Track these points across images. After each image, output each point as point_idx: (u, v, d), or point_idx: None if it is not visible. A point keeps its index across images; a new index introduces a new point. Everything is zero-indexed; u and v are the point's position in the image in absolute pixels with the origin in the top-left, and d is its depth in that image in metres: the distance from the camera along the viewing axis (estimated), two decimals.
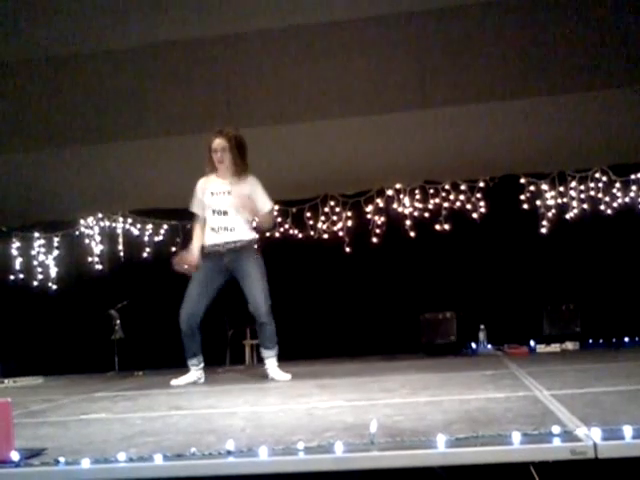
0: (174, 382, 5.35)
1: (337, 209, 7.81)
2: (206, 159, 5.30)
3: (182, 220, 7.77)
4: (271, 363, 5.34)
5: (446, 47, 7.12)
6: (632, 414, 2.60)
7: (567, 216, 7.46)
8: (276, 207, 7.86)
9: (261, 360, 7.76)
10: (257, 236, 5.46)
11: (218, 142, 5.23)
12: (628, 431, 2.18)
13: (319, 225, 7.82)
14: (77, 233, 8.22)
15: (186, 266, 5.35)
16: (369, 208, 7.74)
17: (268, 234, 7.75)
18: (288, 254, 7.78)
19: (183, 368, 7.07)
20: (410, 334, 7.10)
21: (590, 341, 6.94)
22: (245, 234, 5.27)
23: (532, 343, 6.75)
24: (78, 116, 7.54)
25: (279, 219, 7.89)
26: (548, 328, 7.02)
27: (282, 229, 7.87)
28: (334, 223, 7.80)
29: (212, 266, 5.26)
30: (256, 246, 5.41)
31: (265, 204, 5.36)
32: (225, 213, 5.21)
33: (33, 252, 8.23)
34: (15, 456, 2.48)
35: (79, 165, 7.70)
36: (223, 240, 5.21)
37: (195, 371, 5.43)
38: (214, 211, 5.24)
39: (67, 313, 7.95)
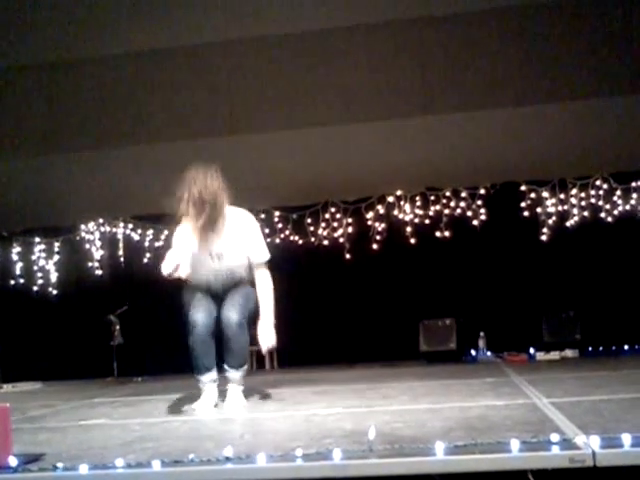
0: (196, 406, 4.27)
1: (338, 215, 7.82)
2: None
3: None
4: (233, 386, 4.28)
5: (448, 54, 7.12)
6: (631, 422, 2.59)
7: (567, 223, 7.46)
8: (277, 213, 7.89)
9: (260, 366, 7.80)
10: None
11: None
12: (627, 439, 2.18)
13: (319, 231, 7.82)
14: (77, 238, 8.23)
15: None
16: (370, 215, 7.75)
17: (269, 240, 7.77)
18: (288, 260, 7.77)
19: (182, 374, 7.08)
20: (410, 341, 7.10)
21: (590, 349, 6.95)
22: None
23: (532, 351, 6.75)
24: (79, 122, 7.54)
25: (280, 225, 7.90)
26: (548, 336, 7.02)
27: (282, 235, 7.87)
28: (335, 229, 7.81)
29: None
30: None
31: None
32: None
33: (33, 257, 8.23)
34: (13, 461, 2.47)
35: (80, 170, 7.69)
36: None
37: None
38: None
39: (67, 318, 7.95)
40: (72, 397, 5.44)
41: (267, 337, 4.31)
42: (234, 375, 4.26)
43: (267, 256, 4.51)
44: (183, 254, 4.26)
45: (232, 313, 4.24)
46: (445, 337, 6.95)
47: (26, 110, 7.44)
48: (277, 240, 7.83)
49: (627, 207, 7.38)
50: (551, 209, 7.49)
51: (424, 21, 7.01)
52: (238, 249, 4.37)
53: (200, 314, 4.23)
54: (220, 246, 4.33)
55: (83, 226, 8.21)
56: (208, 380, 4.20)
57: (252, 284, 4.57)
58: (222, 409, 4.02)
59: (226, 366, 4.28)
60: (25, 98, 7.44)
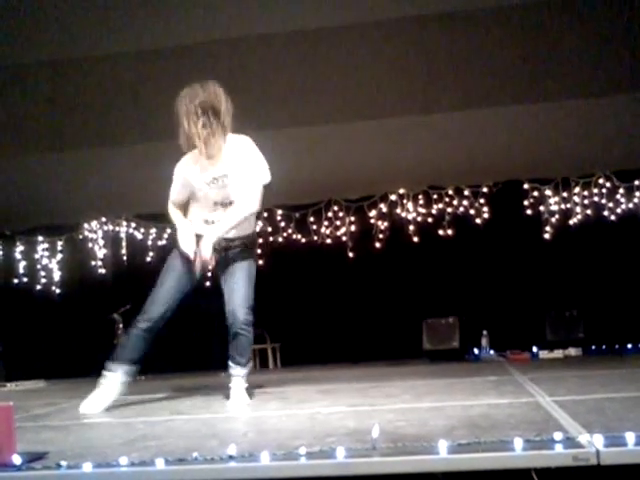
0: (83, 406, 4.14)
1: (340, 214, 7.82)
2: None
3: None
4: (237, 384, 4.20)
5: (450, 52, 7.11)
6: (635, 421, 2.59)
7: (570, 222, 7.46)
8: (279, 212, 7.89)
9: (264, 365, 7.81)
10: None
11: None
12: (631, 438, 2.17)
13: (322, 230, 7.82)
14: (80, 237, 8.24)
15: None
16: (372, 213, 7.75)
17: (271, 238, 7.78)
18: (291, 259, 7.78)
19: (185, 372, 7.09)
20: (413, 339, 7.10)
21: (593, 347, 6.94)
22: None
23: (535, 349, 6.74)
24: (82, 119, 7.55)
25: (282, 224, 7.90)
26: (551, 334, 7.02)
27: (285, 234, 7.88)
28: (337, 228, 7.81)
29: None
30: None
31: None
32: None
33: (37, 256, 8.25)
34: (17, 460, 2.47)
35: (82, 169, 7.70)
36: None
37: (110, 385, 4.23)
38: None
39: (70, 317, 7.96)
40: (75, 395, 5.43)
41: (205, 251, 3.99)
42: (239, 372, 4.18)
43: (267, 178, 4.15)
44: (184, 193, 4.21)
45: (239, 309, 4.08)
46: (448, 336, 6.95)
47: (29, 109, 7.45)
48: (280, 239, 7.84)
49: (630, 205, 7.38)
50: (554, 207, 7.49)
51: (427, 19, 7.01)
52: (239, 177, 4.06)
53: (154, 309, 4.25)
54: (220, 170, 4.05)
55: (86, 225, 8.22)
56: (115, 372, 4.18)
57: (254, 243, 4.36)
58: (226, 407, 4.02)
59: (231, 363, 4.18)
60: (28, 96, 7.44)
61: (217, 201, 4.14)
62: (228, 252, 4.21)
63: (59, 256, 8.23)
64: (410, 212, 7.70)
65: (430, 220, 7.66)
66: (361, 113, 7.28)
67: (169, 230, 7.86)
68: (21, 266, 8.25)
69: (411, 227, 7.67)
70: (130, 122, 7.56)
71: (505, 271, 7.42)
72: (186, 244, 4.15)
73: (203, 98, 4.00)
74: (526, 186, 7.55)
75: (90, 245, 8.21)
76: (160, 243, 7.93)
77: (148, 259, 7.97)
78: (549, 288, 7.30)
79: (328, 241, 7.82)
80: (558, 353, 6.65)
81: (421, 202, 7.71)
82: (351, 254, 7.73)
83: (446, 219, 7.61)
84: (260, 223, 7.74)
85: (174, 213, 4.37)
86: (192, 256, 4.10)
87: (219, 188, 4.10)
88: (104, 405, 4.13)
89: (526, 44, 6.96)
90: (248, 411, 3.84)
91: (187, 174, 4.19)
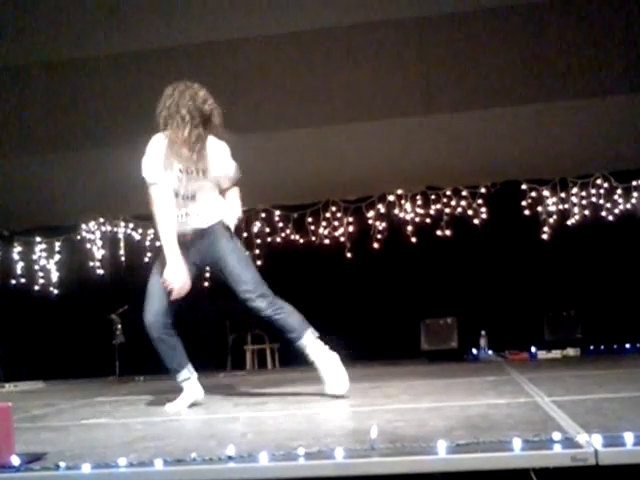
0: (170, 407, 4.08)
1: (338, 214, 7.82)
2: None
3: None
4: (315, 347, 4.18)
5: (449, 53, 7.12)
6: (633, 421, 2.59)
7: (568, 222, 7.47)
8: (277, 212, 7.89)
9: (262, 365, 7.80)
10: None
11: None
12: (629, 438, 2.17)
13: (320, 230, 7.82)
14: (78, 238, 8.23)
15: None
16: (370, 214, 7.75)
17: (269, 239, 7.77)
18: (289, 259, 7.78)
19: None
20: (411, 340, 7.10)
21: (591, 347, 6.94)
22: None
23: (533, 349, 6.75)
24: (80, 120, 7.55)
25: (280, 224, 7.90)
26: (549, 334, 7.02)
27: (283, 234, 7.88)
28: (335, 229, 7.81)
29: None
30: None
31: None
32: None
33: (34, 256, 8.24)
34: (15, 460, 2.47)
35: (80, 169, 7.70)
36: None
37: (189, 387, 4.19)
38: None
39: (68, 317, 7.95)
40: (74, 396, 5.44)
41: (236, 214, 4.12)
42: (307, 340, 4.17)
43: (239, 173, 4.18)
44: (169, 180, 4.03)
45: (251, 297, 4.05)
46: (446, 336, 6.95)
47: (27, 109, 7.45)
48: (278, 239, 7.84)
49: (628, 206, 7.38)
50: (552, 208, 7.49)
51: (427, 20, 7.01)
52: (213, 172, 4.04)
53: (147, 313, 4.02)
54: (201, 164, 3.98)
55: (84, 225, 8.21)
56: (181, 380, 4.14)
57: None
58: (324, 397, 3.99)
59: (296, 344, 4.17)
60: (26, 97, 7.44)
61: (181, 193, 4.04)
62: (209, 246, 4.10)
63: (57, 257, 8.23)
64: (408, 213, 7.71)
65: (428, 221, 7.67)
66: (359, 114, 7.29)
67: None
68: (19, 267, 8.24)
69: (409, 228, 7.67)
70: (129, 122, 7.55)
71: (503, 271, 7.43)
72: (179, 275, 3.98)
73: (204, 99, 4.00)
74: (524, 186, 7.55)
75: (88, 246, 8.20)
76: (158, 244, 7.90)
77: (146, 260, 7.97)
78: (547, 288, 7.30)
79: (326, 241, 7.82)
80: (556, 353, 6.65)
81: (419, 203, 7.71)
82: (349, 255, 7.73)
83: (444, 220, 7.62)
84: (258, 224, 7.74)
85: (169, 217, 4.08)
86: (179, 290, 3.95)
87: (192, 180, 4.00)
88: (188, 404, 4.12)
89: (524, 45, 6.96)
90: (246, 412, 3.83)
91: (171, 154, 4.03)
